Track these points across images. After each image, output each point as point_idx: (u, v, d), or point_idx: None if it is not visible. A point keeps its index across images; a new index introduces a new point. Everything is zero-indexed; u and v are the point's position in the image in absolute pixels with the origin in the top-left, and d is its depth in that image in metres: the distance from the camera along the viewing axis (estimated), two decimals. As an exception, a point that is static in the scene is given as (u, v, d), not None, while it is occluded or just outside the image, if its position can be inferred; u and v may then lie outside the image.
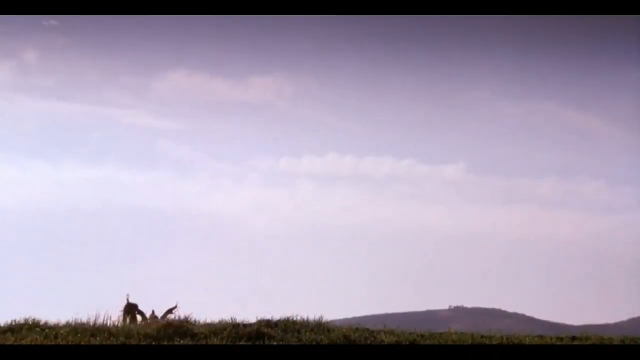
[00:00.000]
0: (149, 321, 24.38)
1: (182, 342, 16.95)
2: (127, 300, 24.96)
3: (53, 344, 16.81)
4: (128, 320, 24.65)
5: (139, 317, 24.81)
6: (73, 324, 20.18)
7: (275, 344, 16.98)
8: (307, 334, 17.63)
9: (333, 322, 18.79)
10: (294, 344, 17.08)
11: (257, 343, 17.05)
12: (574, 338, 18.86)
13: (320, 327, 18.16)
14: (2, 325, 18.52)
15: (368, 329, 18.42)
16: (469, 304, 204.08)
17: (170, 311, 24.45)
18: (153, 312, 24.70)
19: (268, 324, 18.08)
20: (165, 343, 16.96)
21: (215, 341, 16.99)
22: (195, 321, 20.24)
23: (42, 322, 18.68)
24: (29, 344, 16.81)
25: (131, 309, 24.84)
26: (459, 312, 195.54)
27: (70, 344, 16.81)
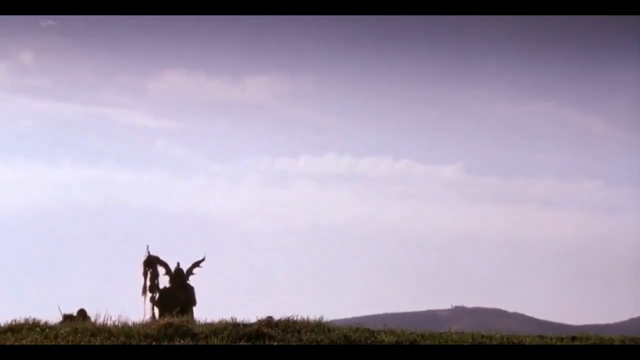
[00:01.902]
0: (173, 273, 22.77)
1: (182, 342, 16.93)
2: (148, 252, 23.15)
3: (53, 344, 16.79)
4: (149, 275, 22.90)
5: (162, 269, 22.93)
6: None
7: (275, 344, 16.96)
8: (307, 334, 17.61)
9: (333, 322, 18.78)
10: (294, 344, 17.07)
11: (257, 343, 17.03)
12: (574, 338, 18.84)
13: (320, 327, 18.13)
14: (2, 325, 18.51)
15: (368, 329, 18.38)
16: (469, 303, 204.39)
17: (197, 264, 22.89)
18: (178, 264, 22.94)
19: (268, 323, 18.06)
20: (165, 343, 16.95)
21: (215, 341, 16.97)
22: (195, 321, 20.20)
23: (42, 322, 18.66)
24: (29, 344, 16.79)
25: (152, 263, 22.99)
26: (459, 312, 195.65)
27: (70, 344, 16.79)
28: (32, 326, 18.16)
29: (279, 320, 18.43)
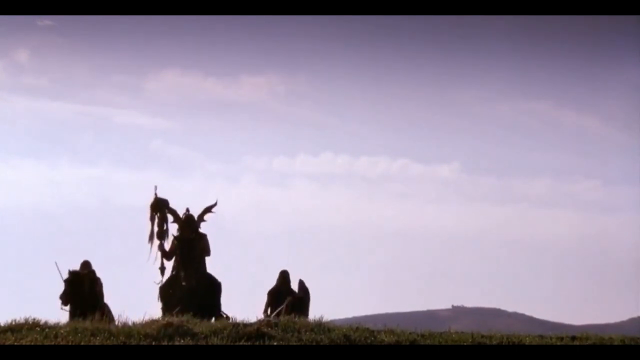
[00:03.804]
0: (182, 218, 21.27)
1: (182, 341, 16.93)
2: (155, 194, 21.41)
3: (53, 344, 16.79)
4: (156, 219, 21.25)
5: (170, 217, 21.35)
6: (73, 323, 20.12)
7: (275, 344, 16.96)
8: (307, 333, 17.61)
9: (333, 322, 18.76)
10: (294, 344, 17.06)
11: (257, 343, 17.02)
12: (574, 338, 18.81)
13: (320, 327, 18.12)
14: (2, 325, 18.49)
15: (368, 329, 18.35)
16: (470, 303, 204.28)
17: (209, 209, 21.46)
18: (187, 209, 21.47)
19: (268, 323, 18.06)
20: (165, 343, 16.94)
21: (215, 341, 16.96)
22: (195, 321, 20.08)
23: (42, 322, 18.63)
24: (28, 343, 16.79)
25: (160, 206, 21.27)
26: (458, 312, 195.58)
27: (70, 344, 16.79)
28: (32, 326, 18.12)
29: (279, 320, 18.42)
